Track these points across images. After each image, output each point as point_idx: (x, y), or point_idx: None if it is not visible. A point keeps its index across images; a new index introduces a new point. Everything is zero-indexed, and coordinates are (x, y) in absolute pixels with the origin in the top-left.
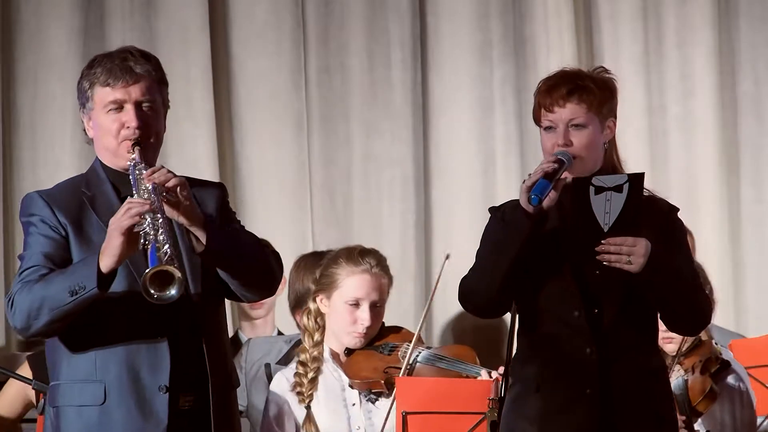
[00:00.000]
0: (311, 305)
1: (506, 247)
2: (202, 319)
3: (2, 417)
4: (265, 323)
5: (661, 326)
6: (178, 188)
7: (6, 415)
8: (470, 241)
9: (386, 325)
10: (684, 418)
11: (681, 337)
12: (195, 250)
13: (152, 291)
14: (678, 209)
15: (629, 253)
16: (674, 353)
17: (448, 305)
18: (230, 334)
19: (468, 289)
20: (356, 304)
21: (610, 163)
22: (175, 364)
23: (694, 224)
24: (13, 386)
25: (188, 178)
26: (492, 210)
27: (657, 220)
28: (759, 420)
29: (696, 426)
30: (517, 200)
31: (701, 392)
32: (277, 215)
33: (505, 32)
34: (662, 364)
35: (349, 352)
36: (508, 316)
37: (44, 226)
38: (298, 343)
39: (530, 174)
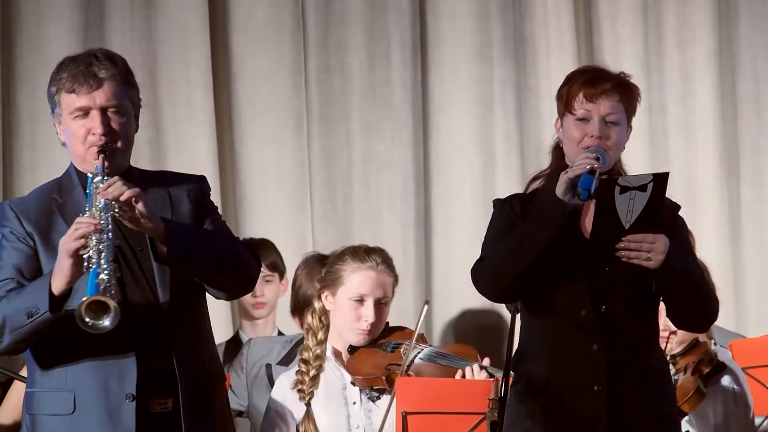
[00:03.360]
0: (316, 304)
1: (537, 238)
2: (172, 325)
3: (5, 425)
4: (266, 323)
5: (660, 324)
6: (133, 200)
7: (10, 422)
8: (470, 241)
9: (389, 325)
10: None
11: (675, 336)
12: (157, 257)
13: (87, 319)
14: (680, 207)
15: (649, 250)
16: (671, 352)
17: (448, 307)
18: (231, 332)
19: (487, 275)
20: (360, 301)
21: (619, 166)
22: (143, 373)
23: (694, 224)
24: (16, 391)
25: (166, 173)
26: (498, 201)
27: (664, 219)
28: (758, 420)
29: (689, 427)
30: (523, 194)
31: (687, 392)
32: (277, 215)
33: (505, 32)
34: (664, 361)
35: (352, 350)
36: (508, 317)
37: (13, 237)
38: (300, 343)
39: (571, 167)
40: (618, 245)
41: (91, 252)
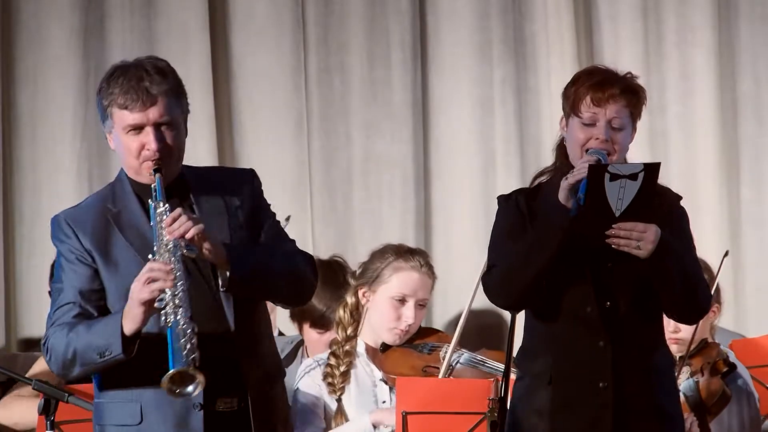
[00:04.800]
0: (349, 299)
1: (545, 245)
2: (237, 335)
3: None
4: None
5: (668, 327)
6: (196, 238)
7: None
8: (470, 241)
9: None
10: (696, 418)
11: (687, 338)
12: (222, 285)
13: (174, 389)
14: (681, 197)
15: (639, 239)
16: (680, 354)
17: (448, 307)
18: None
19: (498, 286)
20: (402, 300)
21: None
22: (209, 384)
23: (694, 224)
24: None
25: (218, 170)
26: (502, 198)
27: (663, 209)
28: None
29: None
30: (528, 188)
31: (715, 394)
32: (277, 216)
33: (505, 32)
34: (670, 360)
35: (384, 348)
36: (508, 317)
37: (72, 256)
38: (300, 344)
39: (572, 172)
40: (608, 232)
41: (168, 308)
